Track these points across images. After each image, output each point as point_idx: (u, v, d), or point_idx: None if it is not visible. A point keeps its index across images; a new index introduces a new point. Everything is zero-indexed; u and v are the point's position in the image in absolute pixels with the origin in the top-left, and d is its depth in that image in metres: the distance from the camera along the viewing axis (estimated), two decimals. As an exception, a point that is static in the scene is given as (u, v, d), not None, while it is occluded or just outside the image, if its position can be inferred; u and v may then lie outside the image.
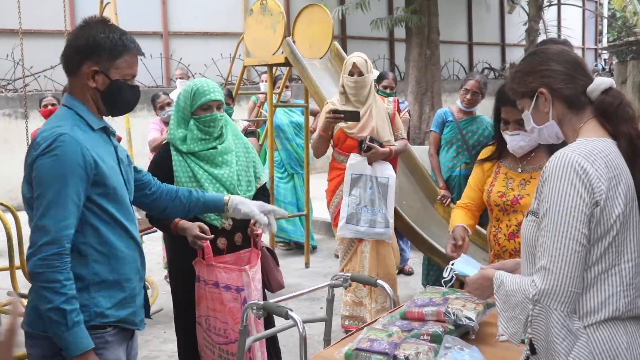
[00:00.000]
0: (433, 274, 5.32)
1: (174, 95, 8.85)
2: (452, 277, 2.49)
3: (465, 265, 2.36)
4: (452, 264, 2.43)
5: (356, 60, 4.61)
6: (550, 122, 2.02)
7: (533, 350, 1.87)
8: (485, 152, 3.28)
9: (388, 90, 6.14)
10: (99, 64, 2.30)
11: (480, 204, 3.24)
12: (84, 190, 2.20)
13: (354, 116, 4.49)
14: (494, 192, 3.11)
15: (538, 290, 1.80)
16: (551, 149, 2.79)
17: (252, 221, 3.42)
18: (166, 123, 6.33)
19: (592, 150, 1.85)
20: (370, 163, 4.57)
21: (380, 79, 6.29)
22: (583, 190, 1.79)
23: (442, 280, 2.59)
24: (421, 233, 5.23)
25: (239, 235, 3.41)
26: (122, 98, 2.39)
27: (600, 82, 1.96)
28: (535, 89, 2.02)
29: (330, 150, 4.89)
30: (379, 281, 3.04)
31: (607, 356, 1.80)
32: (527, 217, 1.99)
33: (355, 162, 4.56)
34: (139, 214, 5.28)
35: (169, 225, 3.28)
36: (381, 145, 4.57)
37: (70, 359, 2.14)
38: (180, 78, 9.00)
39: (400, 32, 14.20)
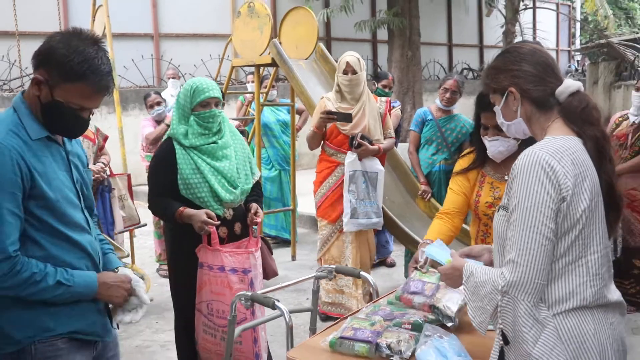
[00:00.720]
0: (415, 266, 5.34)
1: (165, 94, 8.84)
2: (426, 261, 2.48)
3: (437, 250, 2.38)
4: (425, 249, 2.43)
5: (349, 59, 4.65)
6: (518, 120, 2.04)
7: (507, 341, 1.89)
8: (466, 161, 3.16)
9: (387, 90, 6.24)
10: (48, 76, 2.05)
11: (463, 208, 3.12)
12: (21, 201, 2.01)
13: (346, 118, 4.57)
14: (482, 202, 3.04)
15: (506, 282, 1.82)
16: None
17: (252, 211, 3.49)
18: (157, 121, 6.31)
19: (559, 148, 1.86)
20: (359, 159, 4.64)
21: (380, 78, 6.40)
22: (550, 187, 1.80)
23: (419, 265, 2.58)
24: (403, 227, 5.25)
25: (238, 225, 3.47)
26: (60, 121, 2.12)
27: (569, 85, 1.96)
28: (505, 88, 2.02)
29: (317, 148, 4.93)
30: (362, 273, 3.05)
31: (575, 342, 1.83)
32: (498, 211, 2.00)
33: (351, 160, 4.63)
34: (123, 212, 5.28)
35: (173, 214, 3.30)
36: (371, 142, 4.63)
37: (98, 297, 2.19)
38: (173, 78, 8.98)
39: (382, 33, 14.21)
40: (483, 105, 2.87)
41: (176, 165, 3.33)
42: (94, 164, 5.06)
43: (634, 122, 4.99)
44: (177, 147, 3.37)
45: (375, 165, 4.70)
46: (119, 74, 9.28)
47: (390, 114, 5.08)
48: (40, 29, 10.82)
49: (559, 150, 1.85)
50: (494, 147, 2.90)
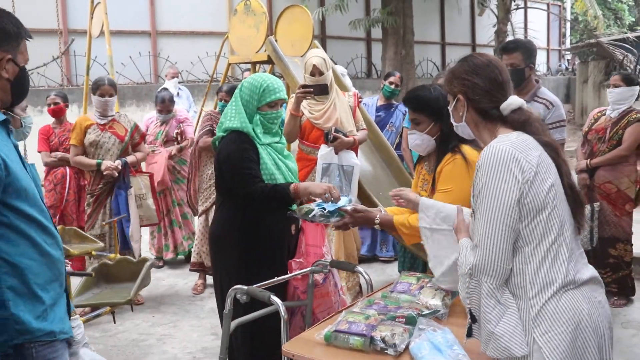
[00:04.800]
0: (407, 261, 5.34)
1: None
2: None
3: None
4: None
5: (316, 61, 4.64)
6: (463, 123, 2.19)
7: (474, 319, 2.00)
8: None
9: (393, 87, 6.28)
10: (9, 51, 2.02)
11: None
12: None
13: (323, 89, 4.56)
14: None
15: (471, 266, 1.96)
16: (438, 152, 2.97)
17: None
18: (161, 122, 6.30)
19: (515, 140, 2.00)
20: (336, 152, 4.65)
21: (387, 76, 6.47)
22: (511, 177, 1.91)
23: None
24: (396, 222, 5.24)
25: (293, 226, 3.39)
26: (27, 85, 2.13)
27: (511, 103, 2.10)
28: (456, 93, 2.18)
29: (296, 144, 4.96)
30: (357, 268, 3.04)
31: (572, 322, 1.90)
32: (472, 217, 2.07)
33: (325, 152, 4.64)
34: (140, 211, 5.28)
35: (286, 191, 3.12)
36: (345, 135, 4.66)
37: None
38: (174, 77, 8.94)
39: (377, 32, 14.19)
40: (404, 100, 3.09)
41: (259, 158, 3.21)
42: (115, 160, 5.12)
43: (610, 116, 5.11)
44: (256, 142, 3.23)
45: (351, 159, 4.70)
46: (116, 71, 9.24)
47: (359, 108, 5.10)
48: (39, 26, 10.77)
49: (516, 142, 1.98)
50: (412, 139, 3.06)
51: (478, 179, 1.97)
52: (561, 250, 1.94)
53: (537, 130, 2.05)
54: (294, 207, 3.19)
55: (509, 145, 1.95)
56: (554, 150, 2.03)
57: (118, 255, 4.51)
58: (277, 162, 3.27)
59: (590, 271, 2.03)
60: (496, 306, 1.92)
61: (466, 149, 2.87)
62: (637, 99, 5.16)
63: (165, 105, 6.26)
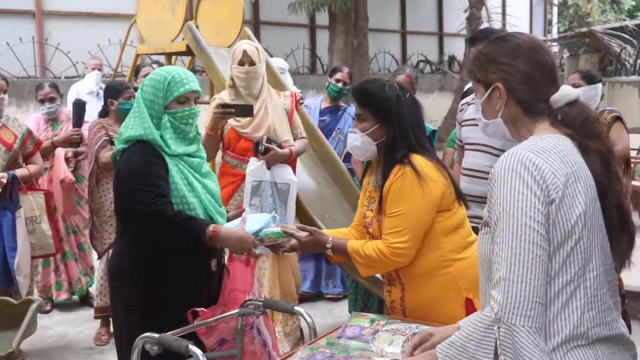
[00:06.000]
0: (360, 299, 5.39)
1: (80, 86, 8.63)
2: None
3: (257, 219, 2.92)
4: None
5: (246, 47, 4.67)
6: (498, 120, 2.10)
7: None
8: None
9: (341, 85, 6.29)
10: None
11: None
12: None
13: (247, 111, 4.52)
14: (359, 213, 3.24)
15: (499, 306, 1.78)
16: (385, 164, 2.99)
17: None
18: (49, 120, 6.13)
19: (545, 146, 1.90)
20: (268, 167, 4.64)
21: (334, 71, 6.45)
22: (536, 187, 1.82)
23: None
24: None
25: (214, 261, 3.33)
26: None
27: (566, 94, 2.03)
28: (492, 82, 2.09)
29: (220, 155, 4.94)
30: (297, 308, 3.06)
31: None
32: (481, 229, 2.01)
33: (254, 167, 4.62)
34: (32, 238, 5.14)
35: (202, 232, 3.01)
36: (280, 146, 4.65)
37: None
38: (95, 69, 8.80)
39: (322, 17, 14.32)
40: (353, 90, 3.13)
41: (168, 176, 3.15)
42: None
43: None
44: (163, 154, 3.18)
45: (286, 175, 4.70)
46: (-9, 62, 9.06)
47: (297, 110, 5.11)
48: None
49: (545, 149, 1.89)
50: (350, 139, 3.08)
51: (495, 196, 1.89)
52: (577, 294, 1.85)
53: (597, 133, 1.99)
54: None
55: (535, 153, 1.87)
56: (607, 164, 1.96)
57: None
58: (191, 182, 3.22)
59: (618, 328, 1.93)
60: (543, 357, 1.76)
61: (417, 159, 2.92)
62: (601, 99, 5.35)
63: (46, 92, 6.02)
